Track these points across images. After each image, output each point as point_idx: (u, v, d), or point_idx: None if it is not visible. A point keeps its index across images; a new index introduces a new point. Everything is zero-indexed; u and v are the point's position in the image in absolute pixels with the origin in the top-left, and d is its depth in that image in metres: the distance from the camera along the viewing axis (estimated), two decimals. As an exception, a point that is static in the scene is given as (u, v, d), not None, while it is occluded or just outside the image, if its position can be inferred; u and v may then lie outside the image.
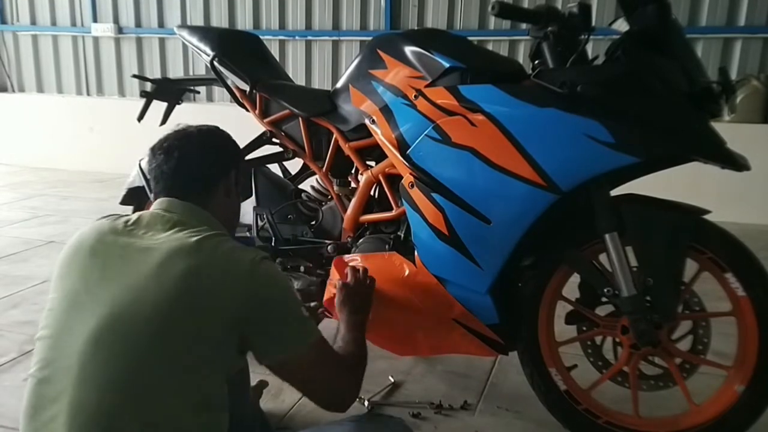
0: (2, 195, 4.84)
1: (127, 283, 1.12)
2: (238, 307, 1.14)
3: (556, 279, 1.69)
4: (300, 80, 5.30)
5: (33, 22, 6.00)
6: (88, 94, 5.98)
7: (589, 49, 1.62)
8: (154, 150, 1.32)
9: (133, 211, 2.37)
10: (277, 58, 5.25)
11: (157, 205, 1.29)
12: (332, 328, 1.58)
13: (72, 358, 1.07)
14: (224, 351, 1.14)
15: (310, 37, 5.24)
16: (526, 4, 4.53)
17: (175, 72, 5.57)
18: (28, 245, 3.56)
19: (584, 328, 1.71)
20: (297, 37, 5.26)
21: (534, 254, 1.69)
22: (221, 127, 1.42)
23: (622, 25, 1.58)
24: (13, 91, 6.19)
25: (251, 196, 2.10)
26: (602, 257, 1.61)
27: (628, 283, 1.52)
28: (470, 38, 1.88)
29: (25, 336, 2.36)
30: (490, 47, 4.83)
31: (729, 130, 4.29)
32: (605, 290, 1.59)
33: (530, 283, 1.69)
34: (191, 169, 1.30)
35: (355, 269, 1.64)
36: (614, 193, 1.60)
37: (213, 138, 1.38)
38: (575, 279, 1.69)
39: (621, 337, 1.63)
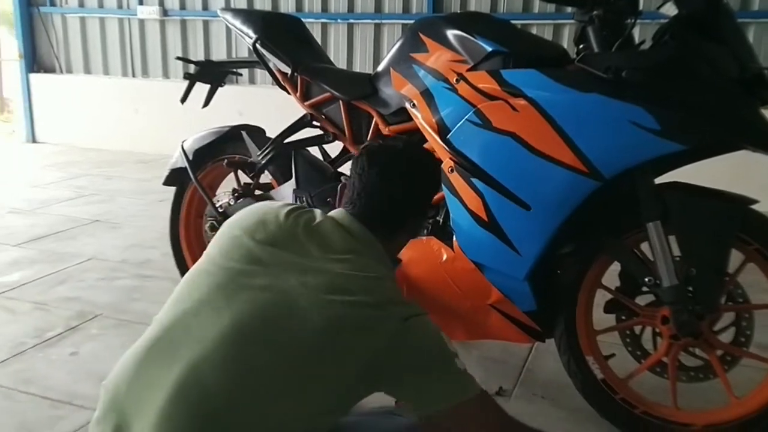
0: (50, 174, 5.00)
1: (278, 288, 1.07)
2: (381, 358, 1.05)
3: (596, 267, 1.67)
4: (341, 63, 5.31)
5: (81, 4, 6.13)
6: (134, 76, 6.10)
7: (636, 33, 1.59)
8: (370, 158, 1.23)
9: (176, 192, 2.44)
10: (319, 42, 5.28)
11: (342, 217, 1.21)
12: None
13: (203, 340, 1.03)
14: (349, 393, 1.08)
15: (352, 20, 5.23)
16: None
17: (219, 54, 5.64)
18: (74, 223, 3.67)
19: (623, 318, 1.69)
20: (339, 20, 5.26)
21: (574, 242, 1.67)
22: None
23: (670, 9, 1.53)
24: (61, 72, 6.35)
25: (291, 178, 2.12)
26: (644, 246, 1.59)
27: (670, 272, 1.50)
28: (514, 22, 1.86)
29: (71, 312, 2.45)
30: (534, 31, 4.74)
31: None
32: (646, 279, 1.56)
33: (569, 270, 1.68)
34: (400, 200, 1.24)
35: None
36: (659, 180, 1.57)
37: (432, 173, 1.33)
38: (615, 267, 1.67)
39: (661, 328, 1.61)
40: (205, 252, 1.20)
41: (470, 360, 2.09)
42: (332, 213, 1.24)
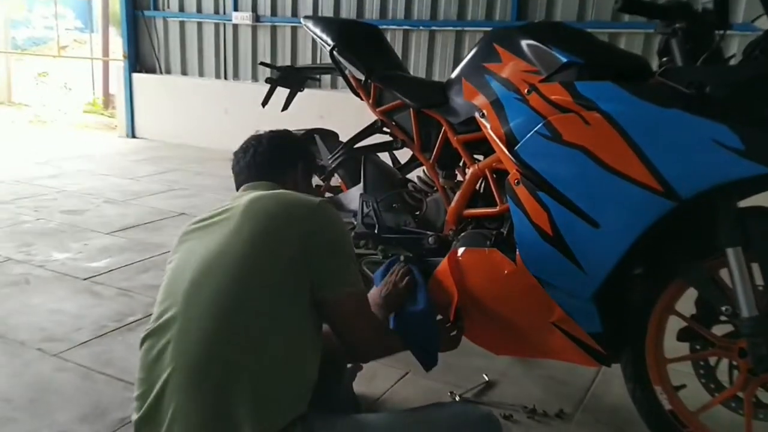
0: (144, 168, 5.30)
1: (218, 233, 1.32)
2: (302, 243, 1.28)
3: (669, 292, 1.58)
4: (421, 71, 5.32)
5: (181, 8, 6.48)
6: (225, 78, 6.37)
7: (727, 46, 1.49)
8: (236, 153, 1.58)
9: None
10: (401, 49, 5.36)
11: (240, 191, 1.51)
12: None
13: (178, 299, 1.26)
14: (297, 289, 1.28)
15: (434, 28, 5.24)
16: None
17: (305, 59, 5.80)
18: (163, 215, 3.88)
19: (698, 347, 1.60)
20: (421, 27, 5.28)
21: (647, 263, 1.60)
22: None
23: (765, 23, 1.44)
24: (161, 72, 6.73)
25: (359, 182, 2.14)
26: (724, 273, 1.49)
27: (750, 302, 1.40)
28: (603, 31, 1.79)
29: (151, 299, 2.58)
30: (623, 41, 4.58)
31: None
32: (723, 309, 1.47)
33: (640, 293, 1.60)
34: (264, 159, 1.53)
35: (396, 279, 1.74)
36: (742, 204, 1.47)
37: (280, 138, 1.61)
38: (691, 294, 1.57)
39: (738, 360, 1.50)
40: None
41: (532, 378, 2.04)
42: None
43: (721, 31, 1.45)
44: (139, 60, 6.79)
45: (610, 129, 1.46)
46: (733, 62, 1.49)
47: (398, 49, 5.37)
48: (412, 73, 5.39)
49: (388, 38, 5.33)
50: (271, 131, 1.63)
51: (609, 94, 1.49)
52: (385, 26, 5.38)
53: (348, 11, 5.56)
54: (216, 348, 1.19)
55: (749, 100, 1.35)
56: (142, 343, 1.29)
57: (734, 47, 3.16)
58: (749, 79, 1.36)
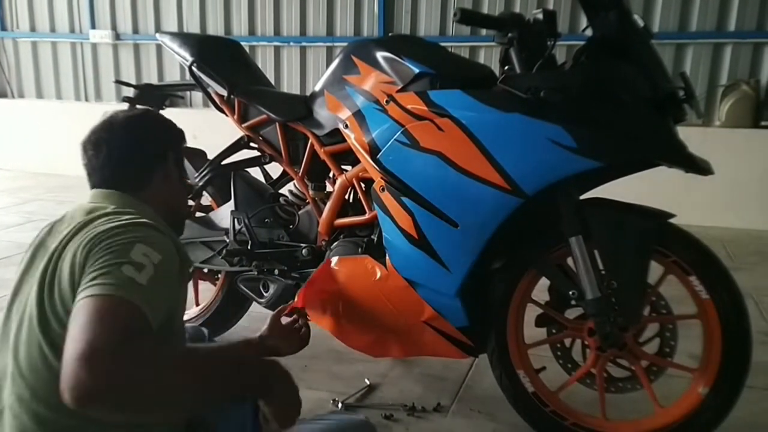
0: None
1: (38, 268, 1.10)
2: (83, 253, 1.05)
3: (524, 282, 1.70)
4: (294, 86, 5.35)
5: (33, 28, 6.07)
6: (87, 100, 6.03)
7: (563, 54, 1.64)
8: (84, 145, 1.29)
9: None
10: (273, 65, 5.35)
11: (86, 198, 1.27)
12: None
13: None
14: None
15: (304, 43, 5.28)
16: (492, 10, 4.56)
17: (172, 78, 5.62)
18: (21, 249, 3.57)
19: (554, 331, 1.73)
20: (292, 43, 5.31)
21: (503, 257, 1.71)
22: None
23: (590, 31, 1.60)
24: (13, 97, 6.26)
25: (230, 199, 2.12)
26: (571, 261, 1.63)
27: (592, 286, 1.54)
28: (464, 44, 1.89)
29: (10, 338, 2.39)
30: (482, 53, 4.87)
31: (719, 136, 4.36)
32: (571, 293, 1.60)
33: (499, 285, 1.70)
34: (121, 160, 1.26)
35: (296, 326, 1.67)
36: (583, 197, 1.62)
37: (140, 124, 1.33)
38: (545, 282, 1.70)
39: (588, 340, 1.64)
40: None
41: (411, 377, 2.11)
42: None
43: (552, 41, 1.60)
44: (-13, 84, 6.28)
45: (460, 134, 1.56)
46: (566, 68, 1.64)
47: (270, 65, 5.36)
48: (286, 88, 5.41)
49: (258, 55, 5.37)
50: (125, 117, 1.31)
51: (458, 101, 1.60)
52: (255, 42, 5.35)
53: (215, 27, 5.47)
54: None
55: (578, 102, 1.50)
56: None
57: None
58: (576, 82, 1.50)
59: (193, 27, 5.52)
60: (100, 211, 1.17)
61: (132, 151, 1.28)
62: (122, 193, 1.25)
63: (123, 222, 1.12)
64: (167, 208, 1.31)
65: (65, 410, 0.88)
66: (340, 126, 1.83)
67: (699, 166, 1.48)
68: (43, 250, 1.15)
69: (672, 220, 1.57)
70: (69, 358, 0.88)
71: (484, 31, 4.81)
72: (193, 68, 2.09)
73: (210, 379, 1.01)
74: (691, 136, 1.68)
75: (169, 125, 1.40)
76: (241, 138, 2.15)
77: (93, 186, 1.28)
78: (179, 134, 1.41)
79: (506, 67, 1.66)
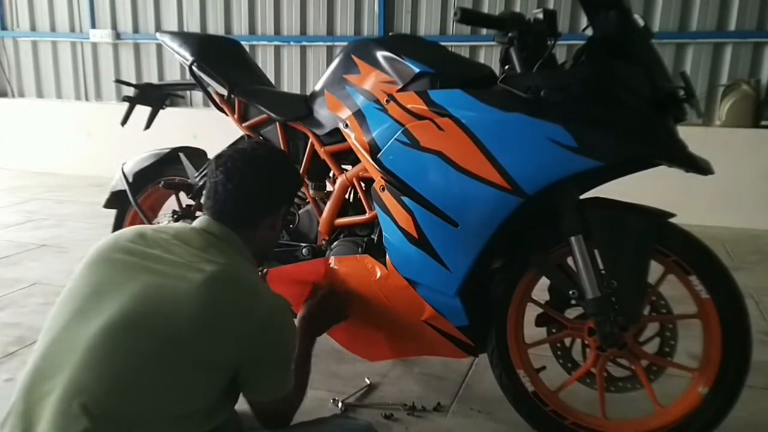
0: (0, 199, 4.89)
1: (154, 284, 1.15)
2: (244, 348, 1.17)
3: (525, 281, 1.70)
4: (294, 86, 5.35)
5: (33, 28, 6.07)
6: (87, 100, 6.03)
7: (564, 53, 1.64)
8: (217, 163, 1.32)
9: (116, 215, 2.41)
10: (273, 65, 5.35)
11: (199, 223, 1.32)
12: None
13: (81, 341, 1.10)
14: (216, 383, 1.17)
15: (305, 43, 5.28)
16: (492, 9, 4.55)
17: (172, 77, 5.62)
18: (20, 248, 3.59)
19: (554, 331, 1.73)
20: (292, 43, 5.31)
21: (504, 257, 1.71)
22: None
23: (590, 30, 1.60)
24: (13, 96, 6.26)
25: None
26: (571, 261, 1.63)
27: (592, 285, 1.54)
28: (465, 44, 1.89)
29: (10, 338, 2.39)
30: (482, 53, 4.86)
31: (719, 135, 4.36)
32: (571, 293, 1.60)
33: (499, 285, 1.70)
34: (246, 200, 1.30)
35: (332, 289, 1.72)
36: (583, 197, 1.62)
37: (277, 170, 1.37)
38: (545, 281, 1.70)
39: (588, 339, 1.64)
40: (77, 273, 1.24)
41: (411, 376, 2.11)
42: (195, 222, 1.33)
43: (552, 40, 1.60)
44: (-13, 84, 6.28)
45: (461, 133, 1.56)
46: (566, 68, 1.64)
47: (270, 65, 5.36)
48: (286, 88, 5.41)
49: (259, 54, 5.37)
50: (268, 154, 1.36)
51: (458, 101, 1.60)
52: (255, 42, 5.35)
53: (215, 27, 5.47)
54: (107, 413, 1.07)
55: (579, 102, 1.50)
56: (27, 370, 1.14)
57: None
58: (576, 82, 1.50)
59: (193, 26, 5.52)
60: (220, 261, 1.21)
61: (260, 194, 1.32)
62: (234, 233, 1.29)
63: (286, 324, 1.26)
64: (260, 252, 1.38)
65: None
66: (341, 125, 1.83)
67: (699, 166, 1.48)
68: (146, 261, 1.18)
69: (672, 220, 1.57)
70: (268, 415, 1.33)
71: (484, 31, 4.81)
72: (194, 68, 2.09)
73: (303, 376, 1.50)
74: (691, 135, 1.68)
75: (298, 178, 1.46)
76: (242, 137, 2.15)
77: (207, 207, 1.32)
78: (299, 186, 1.48)
79: (506, 67, 1.66)
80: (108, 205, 2.38)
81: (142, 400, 1.09)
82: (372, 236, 1.86)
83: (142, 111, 2.35)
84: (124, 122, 2.30)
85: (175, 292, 1.14)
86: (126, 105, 2.34)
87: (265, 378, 1.24)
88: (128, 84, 2.31)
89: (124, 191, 2.27)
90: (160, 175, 2.24)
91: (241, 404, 1.40)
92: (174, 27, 5.58)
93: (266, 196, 1.34)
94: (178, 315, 1.12)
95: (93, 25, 5.81)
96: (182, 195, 2.22)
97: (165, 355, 1.11)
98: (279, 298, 1.27)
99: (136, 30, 5.73)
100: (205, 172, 2.13)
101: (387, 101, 1.71)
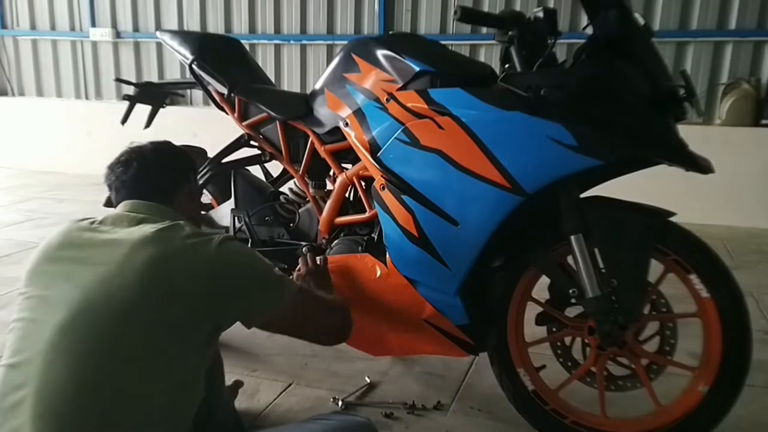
0: (-1, 198, 4.89)
1: (94, 273, 1.16)
2: (205, 288, 1.17)
3: (525, 280, 1.70)
4: (295, 84, 5.34)
5: (33, 26, 6.07)
6: (87, 98, 6.03)
7: (564, 52, 1.64)
8: (112, 166, 1.38)
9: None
10: (273, 63, 5.34)
11: (121, 208, 1.33)
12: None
13: (40, 347, 1.11)
14: (192, 334, 1.18)
15: (305, 41, 5.28)
16: (492, 8, 4.55)
17: (172, 76, 5.62)
18: (20, 247, 3.60)
19: (554, 329, 1.73)
20: (292, 42, 5.30)
21: (504, 255, 1.71)
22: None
23: (591, 29, 1.60)
24: (13, 95, 6.26)
25: (230, 198, 2.12)
26: (571, 259, 1.63)
27: (592, 284, 1.54)
28: (465, 43, 1.89)
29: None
30: (483, 52, 4.86)
31: (719, 134, 4.36)
32: (571, 291, 1.60)
33: (499, 284, 1.70)
34: (151, 175, 1.36)
35: (314, 259, 1.75)
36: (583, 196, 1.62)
37: (166, 149, 1.45)
38: (546, 280, 1.70)
39: (588, 338, 1.64)
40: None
41: (411, 375, 2.11)
42: (117, 208, 1.36)
43: (552, 39, 1.60)
44: (-13, 82, 6.28)
45: (461, 132, 1.56)
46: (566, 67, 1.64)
47: (270, 64, 5.36)
48: (286, 87, 5.41)
49: (259, 53, 5.36)
50: (153, 143, 1.43)
51: (458, 99, 1.60)
52: (255, 41, 5.35)
53: (215, 26, 5.47)
54: (87, 405, 1.08)
55: (580, 100, 1.50)
56: None
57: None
58: (576, 81, 1.50)
59: (193, 25, 5.52)
60: (159, 223, 1.24)
61: (163, 166, 1.38)
62: (159, 204, 1.33)
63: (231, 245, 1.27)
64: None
65: None
66: (341, 124, 1.83)
67: (699, 165, 1.48)
68: (81, 252, 1.20)
69: (672, 219, 1.56)
70: (323, 330, 1.50)
71: (484, 30, 4.76)
72: (194, 66, 2.09)
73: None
74: (691, 134, 1.67)
75: (190, 158, 1.52)
76: (242, 136, 2.15)
77: (121, 199, 1.34)
78: (195, 166, 1.57)
79: (506, 66, 1.66)
80: (108, 203, 2.37)
81: (117, 385, 1.09)
82: (372, 235, 1.86)
83: (143, 110, 2.35)
84: (124, 121, 2.30)
85: (118, 269, 1.15)
86: (126, 104, 2.34)
87: (256, 299, 1.27)
88: (128, 83, 2.32)
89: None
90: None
91: (239, 402, 1.40)
92: (174, 26, 5.58)
93: (166, 167, 1.39)
94: (126, 290, 1.13)
95: (93, 24, 5.80)
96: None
97: (126, 332, 1.11)
98: (218, 233, 1.29)
99: (136, 29, 5.73)
100: (205, 170, 2.13)
101: (387, 100, 1.71)
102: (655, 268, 1.56)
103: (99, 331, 1.11)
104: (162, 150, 1.43)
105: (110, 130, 5.53)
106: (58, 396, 1.08)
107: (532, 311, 1.73)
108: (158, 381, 1.13)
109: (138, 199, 1.33)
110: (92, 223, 1.28)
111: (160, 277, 1.15)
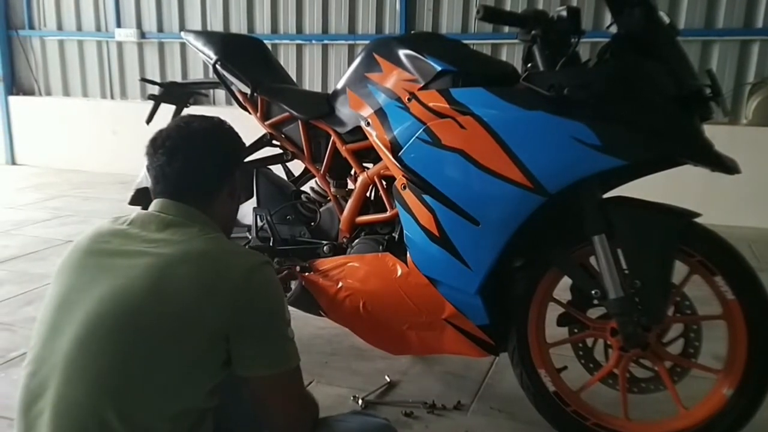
0: (27, 195, 4.98)
1: (116, 283, 1.11)
2: (228, 316, 1.11)
3: (546, 280, 1.69)
4: (316, 84, 5.37)
5: (59, 27, 6.17)
6: (112, 98, 6.12)
7: (587, 51, 1.63)
8: (156, 146, 1.25)
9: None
10: (295, 63, 5.37)
11: (153, 206, 1.26)
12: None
13: (59, 356, 1.09)
14: (208, 361, 1.13)
15: (326, 41, 5.30)
16: (515, 7, 4.51)
17: (196, 76, 5.68)
18: (47, 244, 3.66)
19: (575, 330, 1.72)
20: (314, 41, 5.32)
21: (525, 255, 1.70)
22: (218, 120, 1.34)
23: (615, 28, 1.58)
24: (40, 94, 6.36)
25: (253, 197, 2.14)
26: (594, 260, 1.61)
27: (615, 285, 1.52)
28: (486, 42, 1.89)
29: (38, 331, 2.44)
30: (504, 51, 4.84)
31: (745, 134, 4.29)
32: (594, 292, 1.59)
33: (520, 284, 1.70)
34: (196, 174, 1.24)
35: None
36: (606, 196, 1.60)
37: (218, 137, 1.31)
38: (567, 281, 1.69)
39: (611, 340, 1.63)
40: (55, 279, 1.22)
41: (431, 374, 2.11)
42: (150, 205, 1.27)
43: (576, 38, 1.59)
44: (15, 82, 6.38)
45: (483, 132, 1.56)
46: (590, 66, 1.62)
47: (292, 64, 5.39)
48: (308, 86, 5.43)
49: (281, 53, 5.40)
50: (204, 123, 1.28)
51: (481, 99, 1.59)
52: (277, 41, 5.38)
53: (238, 26, 5.51)
54: (100, 420, 1.04)
55: (603, 100, 1.48)
56: (21, 389, 1.14)
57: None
58: (600, 80, 1.49)
59: (216, 25, 5.57)
60: (184, 234, 1.17)
61: (207, 164, 1.25)
62: (195, 209, 1.23)
63: (265, 274, 1.18)
64: (221, 225, 1.30)
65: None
66: (362, 124, 1.84)
67: (725, 165, 1.46)
68: (106, 260, 1.15)
69: (697, 220, 1.55)
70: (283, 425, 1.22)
71: (506, 29, 4.71)
72: (217, 66, 2.11)
73: None
74: (717, 134, 1.65)
75: (241, 140, 1.38)
76: (264, 135, 2.17)
77: (158, 192, 1.25)
78: (246, 151, 1.40)
79: (529, 65, 1.65)
80: (133, 202, 2.41)
81: (134, 398, 1.06)
82: (393, 234, 1.87)
83: (167, 109, 2.38)
84: (149, 120, 2.33)
85: (140, 284, 1.10)
86: (151, 103, 2.37)
87: (260, 346, 1.14)
88: (153, 82, 2.35)
89: (149, 188, 2.29)
90: (184, 172, 2.26)
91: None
92: (198, 26, 5.64)
93: (215, 165, 1.27)
94: (148, 305, 1.09)
95: (118, 25, 5.88)
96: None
97: (142, 346, 1.07)
98: (255, 254, 1.20)
99: (160, 29, 5.80)
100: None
101: (409, 99, 1.72)
102: (680, 269, 1.54)
103: (115, 344, 1.08)
104: (213, 139, 1.28)
105: (135, 129, 5.60)
106: (73, 413, 1.06)
107: (553, 312, 1.72)
108: (167, 406, 1.09)
109: (172, 199, 1.23)
110: (122, 224, 1.24)
111: (183, 299, 1.10)
